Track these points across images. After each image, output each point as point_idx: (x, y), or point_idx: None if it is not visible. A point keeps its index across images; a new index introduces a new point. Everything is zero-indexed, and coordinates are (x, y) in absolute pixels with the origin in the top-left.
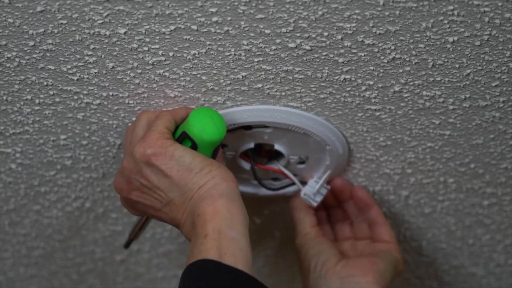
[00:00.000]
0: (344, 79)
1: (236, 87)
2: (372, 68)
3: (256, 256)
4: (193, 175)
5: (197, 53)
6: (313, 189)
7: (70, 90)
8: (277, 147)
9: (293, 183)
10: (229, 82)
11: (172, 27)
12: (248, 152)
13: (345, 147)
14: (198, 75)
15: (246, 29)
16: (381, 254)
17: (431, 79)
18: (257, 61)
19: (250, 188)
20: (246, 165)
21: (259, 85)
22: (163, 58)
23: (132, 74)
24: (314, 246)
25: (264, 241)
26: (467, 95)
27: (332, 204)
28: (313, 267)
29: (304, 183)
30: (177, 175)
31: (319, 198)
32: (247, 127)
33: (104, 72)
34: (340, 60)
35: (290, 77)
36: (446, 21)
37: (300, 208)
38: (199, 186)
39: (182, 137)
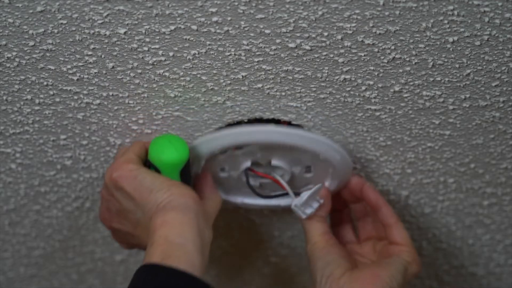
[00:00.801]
0: (344, 79)
1: (236, 87)
2: (372, 68)
3: (256, 257)
4: (153, 195)
5: (197, 53)
6: (301, 200)
7: (70, 90)
8: (274, 162)
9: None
10: (229, 82)
11: (172, 27)
12: (248, 168)
13: (342, 153)
14: (198, 75)
15: (246, 29)
16: (388, 262)
17: (431, 79)
18: (257, 61)
19: (268, 200)
20: (252, 180)
21: (259, 85)
22: (163, 58)
23: (132, 74)
24: (322, 257)
25: (264, 241)
26: (467, 95)
27: (352, 201)
28: (319, 280)
29: (298, 194)
30: (139, 196)
31: (309, 211)
32: (238, 147)
33: (104, 72)
34: (340, 60)
35: (290, 77)
36: (446, 21)
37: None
38: (157, 204)
39: (147, 164)
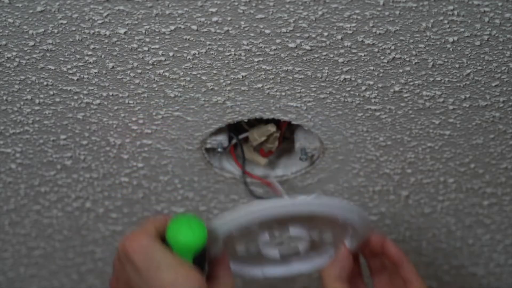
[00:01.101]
0: (344, 79)
1: (236, 87)
2: (372, 68)
3: None
4: (159, 273)
5: (197, 53)
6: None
7: (70, 90)
8: (292, 231)
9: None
10: (229, 82)
11: (172, 27)
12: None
13: (361, 213)
14: (198, 75)
15: (246, 29)
16: None
17: (431, 79)
18: (257, 61)
19: (288, 267)
20: (276, 252)
21: (259, 85)
22: (163, 58)
23: (132, 74)
24: None
25: None
26: (467, 95)
27: (371, 256)
28: None
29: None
30: (147, 271)
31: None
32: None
33: (104, 72)
34: (340, 60)
35: (290, 77)
36: (446, 21)
37: (333, 279)
38: (161, 284)
39: (163, 241)
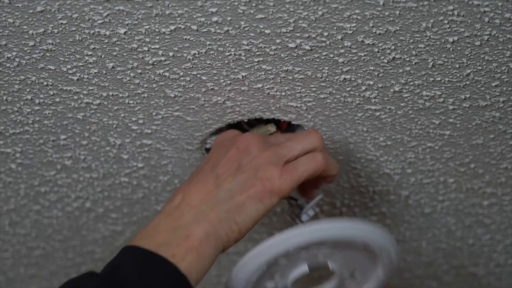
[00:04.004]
0: (344, 79)
1: (236, 87)
2: (372, 68)
3: None
4: (240, 213)
5: (197, 53)
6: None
7: (70, 90)
8: (331, 264)
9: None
10: (229, 82)
11: (172, 27)
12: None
13: (399, 256)
14: (198, 75)
15: (246, 29)
16: None
17: (431, 79)
18: (257, 61)
19: None
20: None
21: (259, 85)
22: (163, 58)
23: (132, 74)
24: None
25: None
26: (467, 95)
27: None
28: None
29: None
30: (243, 200)
31: (304, 218)
32: (306, 247)
33: (104, 72)
34: (340, 60)
35: (290, 77)
36: (446, 21)
37: None
38: (233, 220)
39: None
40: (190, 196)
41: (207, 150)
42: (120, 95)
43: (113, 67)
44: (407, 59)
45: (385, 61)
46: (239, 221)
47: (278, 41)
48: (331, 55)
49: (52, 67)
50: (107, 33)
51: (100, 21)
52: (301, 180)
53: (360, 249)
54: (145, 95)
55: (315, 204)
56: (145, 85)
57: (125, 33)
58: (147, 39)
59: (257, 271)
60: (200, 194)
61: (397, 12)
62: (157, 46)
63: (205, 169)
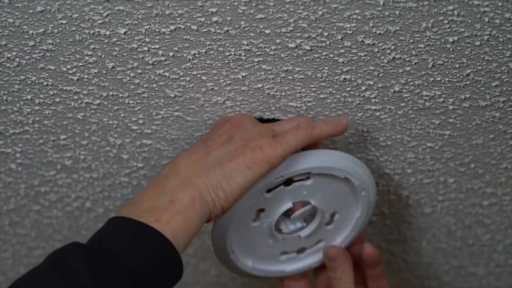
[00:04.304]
0: (344, 79)
1: (236, 87)
2: (372, 68)
3: None
4: (230, 183)
5: (197, 53)
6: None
7: (70, 90)
8: (314, 202)
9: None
10: (229, 82)
11: (172, 27)
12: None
13: (375, 195)
14: (198, 75)
15: (246, 29)
16: None
17: (431, 79)
18: (257, 61)
19: (278, 265)
20: (279, 236)
21: (259, 85)
22: (163, 58)
23: (132, 74)
24: None
25: None
26: (467, 95)
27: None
28: None
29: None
30: (233, 166)
31: (291, 227)
32: (287, 183)
33: (104, 72)
34: (340, 60)
35: (290, 77)
36: (446, 21)
37: (341, 269)
38: (219, 183)
39: None
40: (177, 164)
41: None
42: (120, 95)
43: (113, 67)
44: (407, 59)
45: (385, 61)
46: (226, 188)
47: (278, 41)
48: (331, 55)
49: (52, 67)
50: (107, 33)
51: (100, 21)
52: (291, 149)
53: (341, 184)
54: (145, 95)
55: (305, 213)
56: (145, 85)
57: (125, 33)
58: (147, 39)
59: (244, 202)
60: (188, 161)
61: (397, 12)
62: (157, 46)
63: (198, 143)
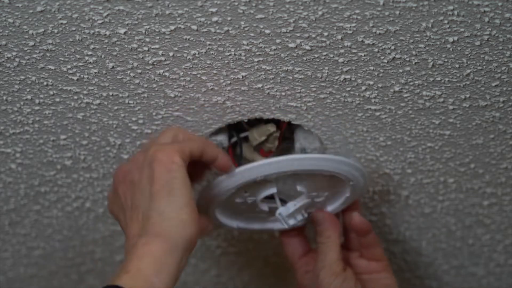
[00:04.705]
0: (344, 79)
1: (236, 87)
2: (372, 68)
3: (256, 256)
4: (167, 200)
5: (197, 53)
6: (287, 211)
7: (70, 90)
8: (299, 188)
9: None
10: (229, 82)
11: (172, 27)
12: (239, 141)
13: (366, 178)
14: (198, 75)
15: (246, 29)
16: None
17: (431, 79)
18: (257, 61)
19: (265, 224)
20: (265, 207)
21: (259, 85)
22: (163, 58)
23: (132, 74)
24: (341, 284)
25: (264, 241)
26: (467, 95)
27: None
28: None
29: (284, 202)
30: (158, 189)
31: (292, 222)
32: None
33: (104, 72)
34: (340, 60)
35: (290, 77)
36: (446, 21)
37: (327, 235)
38: (160, 215)
39: None
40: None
41: None
42: (120, 95)
43: (113, 67)
44: (407, 59)
45: (385, 61)
46: (168, 211)
47: (278, 41)
48: (331, 55)
49: (52, 67)
50: (107, 33)
51: (100, 21)
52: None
53: (327, 177)
54: (145, 95)
55: (303, 207)
56: (145, 85)
57: (125, 33)
58: (147, 39)
59: (226, 192)
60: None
61: (397, 12)
62: (157, 46)
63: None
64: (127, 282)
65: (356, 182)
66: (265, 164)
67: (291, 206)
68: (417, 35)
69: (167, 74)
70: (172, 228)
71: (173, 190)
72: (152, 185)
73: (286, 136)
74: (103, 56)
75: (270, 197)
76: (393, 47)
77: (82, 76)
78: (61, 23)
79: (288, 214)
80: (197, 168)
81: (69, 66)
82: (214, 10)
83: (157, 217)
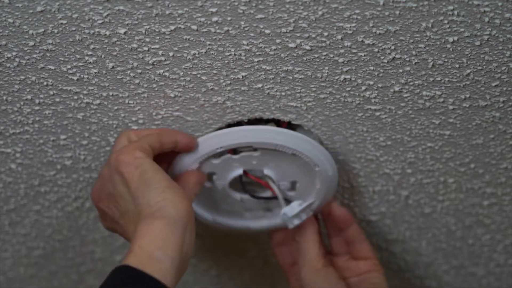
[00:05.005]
0: (344, 79)
1: (236, 87)
2: (372, 68)
3: (256, 256)
4: (148, 191)
5: (197, 53)
6: (293, 211)
7: (70, 90)
8: (267, 171)
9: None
10: (229, 82)
11: (172, 27)
12: (237, 179)
13: (334, 169)
14: (198, 75)
15: (246, 29)
16: (378, 283)
17: (431, 79)
18: (257, 61)
19: (242, 221)
20: (237, 195)
21: (259, 85)
22: (163, 58)
23: (132, 74)
24: (321, 280)
25: (264, 241)
26: (467, 95)
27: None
28: None
29: (289, 202)
30: (135, 186)
31: (296, 221)
32: (235, 151)
33: (104, 72)
34: (340, 60)
35: (290, 77)
36: (446, 21)
37: (305, 233)
38: (149, 204)
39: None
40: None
41: None
42: (120, 95)
43: (113, 67)
44: (407, 59)
45: (385, 61)
46: (154, 199)
47: (278, 41)
48: (331, 55)
49: (52, 67)
50: (107, 33)
51: (100, 21)
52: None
53: (290, 159)
54: (145, 95)
55: (308, 207)
56: (145, 85)
57: (125, 33)
58: (147, 39)
59: (190, 166)
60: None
61: (397, 12)
62: (157, 46)
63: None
64: (131, 260)
65: (322, 168)
66: (223, 134)
67: (296, 205)
68: (417, 35)
69: (167, 74)
70: (164, 209)
71: (148, 181)
72: (128, 187)
73: None
74: (103, 56)
75: (273, 198)
76: (393, 47)
77: (82, 76)
78: (61, 23)
79: (294, 214)
80: (167, 158)
81: (69, 66)
82: (214, 10)
83: (147, 208)
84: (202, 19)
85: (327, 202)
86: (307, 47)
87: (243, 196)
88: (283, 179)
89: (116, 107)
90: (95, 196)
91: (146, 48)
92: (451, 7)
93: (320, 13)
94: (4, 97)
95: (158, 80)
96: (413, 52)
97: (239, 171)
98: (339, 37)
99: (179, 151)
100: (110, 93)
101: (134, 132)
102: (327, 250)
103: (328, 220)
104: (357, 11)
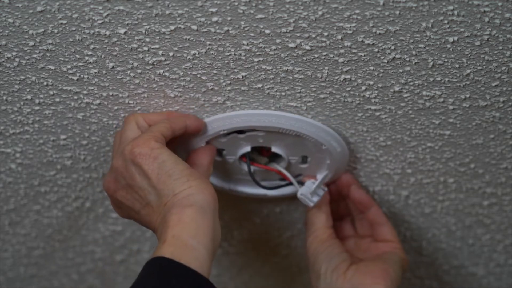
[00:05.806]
0: (344, 79)
1: (236, 87)
2: (372, 68)
3: (256, 256)
4: (171, 181)
5: (197, 53)
6: (309, 189)
7: (70, 90)
8: (274, 149)
9: (291, 183)
10: (229, 82)
11: (172, 27)
12: (247, 155)
13: (343, 145)
14: (198, 75)
15: (246, 29)
16: (390, 259)
17: (431, 79)
18: (257, 61)
19: (250, 188)
20: (246, 167)
21: (259, 85)
22: (163, 58)
23: (132, 74)
24: (325, 250)
25: (264, 241)
26: (467, 95)
27: (335, 199)
28: (324, 272)
29: (301, 183)
30: (156, 178)
31: (315, 199)
32: (240, 132)
33: (104, 72)
34: (340, 60)
35: (290, 77)
36: (446, 21)
37: (313, 208)
38: (174, 193)
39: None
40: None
41: None
42: (120, 95)
43: (113, 67)
44: (407, 59)
45: (385, 61)
46: (179, 188)
47: (278, 41)
48: (331, 55)
49: (52, 67)
50: (107, 33)
51: (100, 21)
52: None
53: (296, 138)
54: (145, 95)
55: (322, 182)
56: (145, 85)
57: (125, 33)
58: (147, 39)
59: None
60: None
61: (397, 12)
62: (157, 46)
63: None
64: (165, 250)
65: (330, 147)
66: (224, 117)
67: (310, 184)
68: (417, 35)
69: (167, 74)
70: (192, 196)
71: (170, 171)
72: (149, 179)
73: None
74: (103, 56)
75: (286, 184)
76: (393, 47)
77: (82, 76)
78: (61, 23)
79: (311, 192)
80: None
81: (69, 66)
82: (214, 10)
83: (173, 197)
84: (202, 19)
85: (342, 174)
86: (307, 47)
87: (255, 168)
88: (293, 154)
89: (116, 107)
90: (110, 186)
91: (146, 48)
92: (451, 7)
93: (320, 13)
94: (4, 97)
95: (158, 80)
96: (413, 52)
97: (247, 148)
98: (339, 37)
99: (188, 134)
100: (110, 93)
101: (141, 116)
102: (353, 233)
103: (350, 203)
104: (357, 11)
